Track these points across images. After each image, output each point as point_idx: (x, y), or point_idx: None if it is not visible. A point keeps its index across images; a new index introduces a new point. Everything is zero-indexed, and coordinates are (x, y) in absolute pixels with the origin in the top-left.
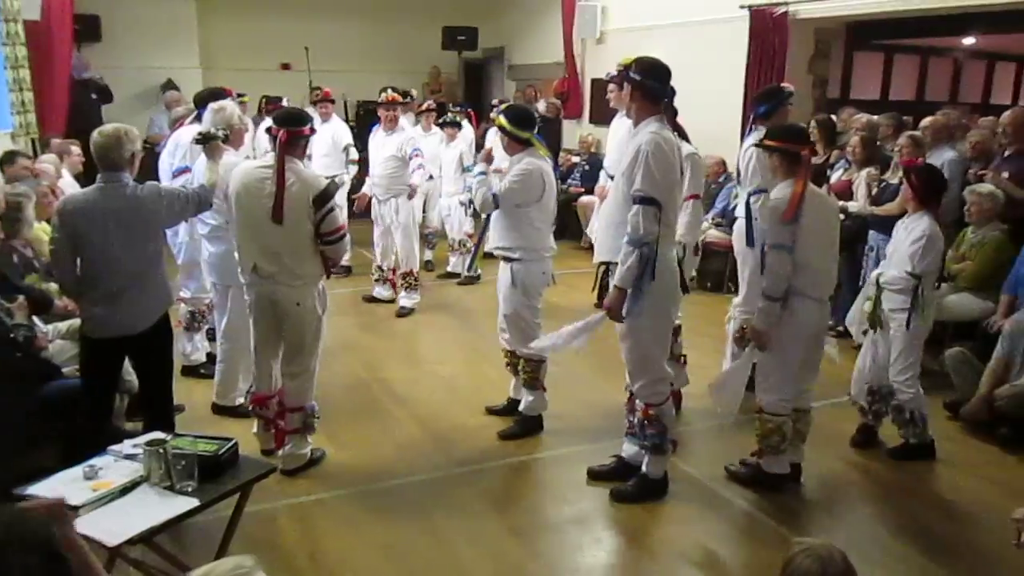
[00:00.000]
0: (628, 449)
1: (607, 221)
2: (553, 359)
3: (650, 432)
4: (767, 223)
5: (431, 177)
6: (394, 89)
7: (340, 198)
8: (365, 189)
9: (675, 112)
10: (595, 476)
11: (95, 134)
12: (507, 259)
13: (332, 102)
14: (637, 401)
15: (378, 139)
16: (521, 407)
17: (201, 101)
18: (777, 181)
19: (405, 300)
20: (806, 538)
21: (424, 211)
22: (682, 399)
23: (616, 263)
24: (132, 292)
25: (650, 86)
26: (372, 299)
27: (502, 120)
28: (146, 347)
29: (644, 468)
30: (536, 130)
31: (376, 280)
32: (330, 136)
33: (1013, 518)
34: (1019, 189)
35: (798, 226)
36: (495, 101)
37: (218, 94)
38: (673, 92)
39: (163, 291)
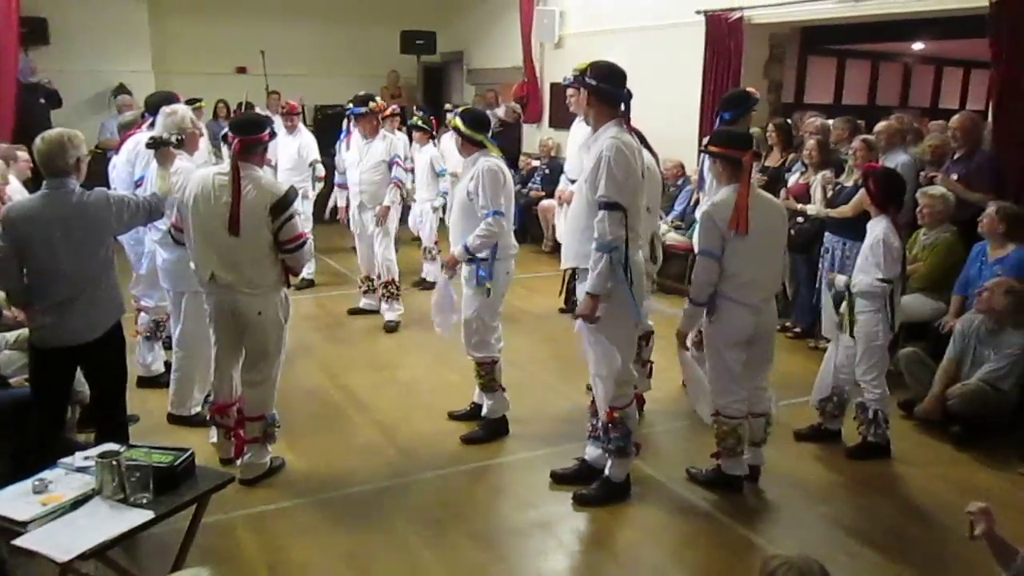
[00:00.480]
0: (591, 452)
1: (572, 227)
2: (515, 363)
3: (614, 435)
4: (701, 228)
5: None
6: (372, 98)
7: (301, 205)
8: (340, 202)
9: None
10: (559, 479)
11: (38, 140)
12: (470, 260)
13: (298, 114)
14: (602, 405)
15: (360, 146)
16: (484, 411)
17: (152, 106)
18: (721, 186)
19: (389, 314)
20: (781, 552)
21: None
22: (644, 402)
23: (582, 268)
24: (82, 301)
25: (606, 90)
26: (358, 311)
27: (457, 122)
28: (98, 356)
29: (607, 471)
30: (490, 133)
31: (364, 292)
32: (296, 149)
33: (967, 511)
34: (968, 191)
35: (733, 234)
36: (448, 106)
37: (168, 98)
38: (630, 95)
39: (114, 300)
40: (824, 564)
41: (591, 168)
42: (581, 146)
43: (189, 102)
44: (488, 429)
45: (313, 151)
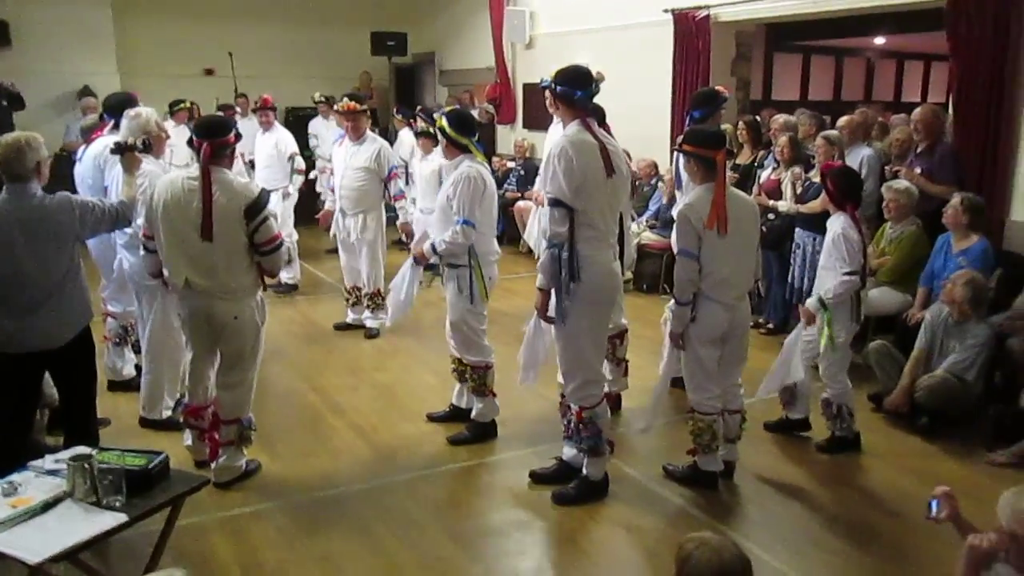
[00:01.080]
0: (568, 452)
1: (543, 228)
2: (497, 366)
3: (585, 435)
4: (677, 228)
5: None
6: (351, 96)
7: (276, 206)
8: (328, 204)
9: (602, 115)
10: (538, 479)
11: None
12: (452, 265)
13: (273, 109)
14: (571, 404)
15: (344, 149)
16: (473, 414)
17: (110, 108)
18: (694, 185)
19: (371, 321)
20: (694, 533)
21: None
22: (621, 400)
23: None
24: (48, 307)
25: (563, 91)
26: (346, 326)
27: (443, 123)
28: (67, 361)
29: (584, 470)
30: (476, 137)
31: (352, 304)
32: (272, 145)
33: (933, 495)
34: (931, 184)
35: (708, 233)
36: (419, 108)
37: (128, 100)
38: (589, 96)
39: (82, 305)
40: (793, 557)
41: (543, 166)
42: None
43: (173, 104)
44: (475, 432)
45: (291, 145)
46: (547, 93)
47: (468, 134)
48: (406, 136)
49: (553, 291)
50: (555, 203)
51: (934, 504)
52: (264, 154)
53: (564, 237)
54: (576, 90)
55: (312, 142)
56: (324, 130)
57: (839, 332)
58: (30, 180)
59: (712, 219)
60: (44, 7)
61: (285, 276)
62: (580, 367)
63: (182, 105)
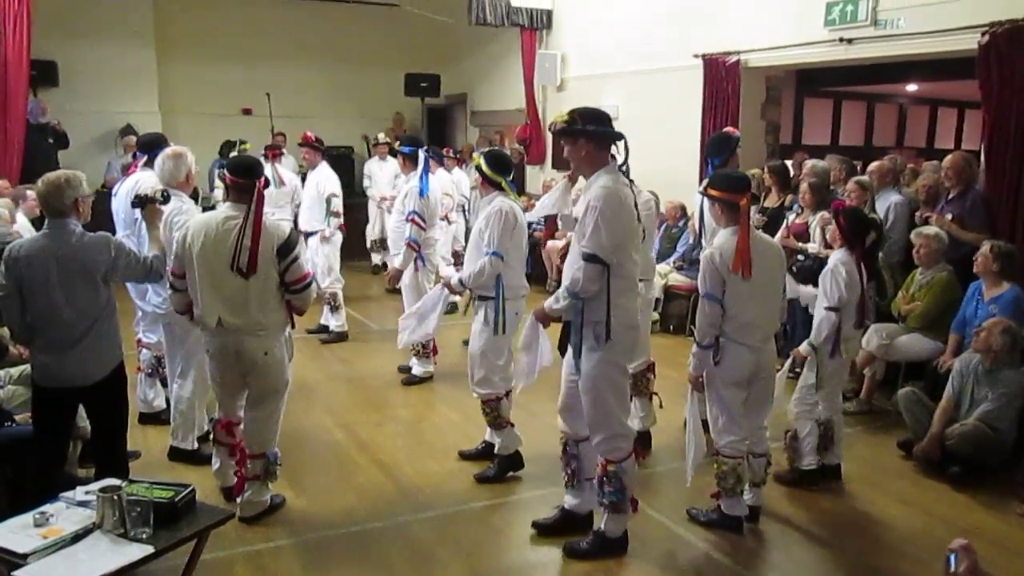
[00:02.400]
0: (569, 500)
1: (568, 274)
2: (517, 402)
3: (608, 489)
4: (702, 271)
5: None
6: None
7: (315, 252)
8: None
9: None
10: (542, 531)
11: (39, 182)
12: (482, 298)
13: (318, 148)
14: (597, 456)
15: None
16: (496, 448)
17: (143, 146)
18: (719, 228)
19: (417, 368)
20: None
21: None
22: (651, 438)
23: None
24: (81, 346)
25: (598, 133)
26: (413, 380)
27: (480, 161)
28: (97, 399)
29: (602, 525)
30: (511, 176)
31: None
32: (313, 185)
33: (948, 548)
34: (962, 231)
35: (733, 276)
36: (446, 150)
37: (159, 140)
38: (620, 134)
39: (114, 345)
40: None
41: (581, 217)
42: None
43: (231, 144)
44: (501, 466)
45: (330, 184)
46: (569, 141)
47: (503, 173)
48: (461, 175)
49: (587, 345)
50: (593, 259)
51: (952, 558)
52: (305, 194)
53: (593, 294)
54: (610, 126)
55: (366, 183)
56: (379, 171)
57: (824, 370)
58: (68, 216)
59: (737, 263)
60: (91, 48)
61: (333, 324)
62: (607, 421)
63: (245, 145)
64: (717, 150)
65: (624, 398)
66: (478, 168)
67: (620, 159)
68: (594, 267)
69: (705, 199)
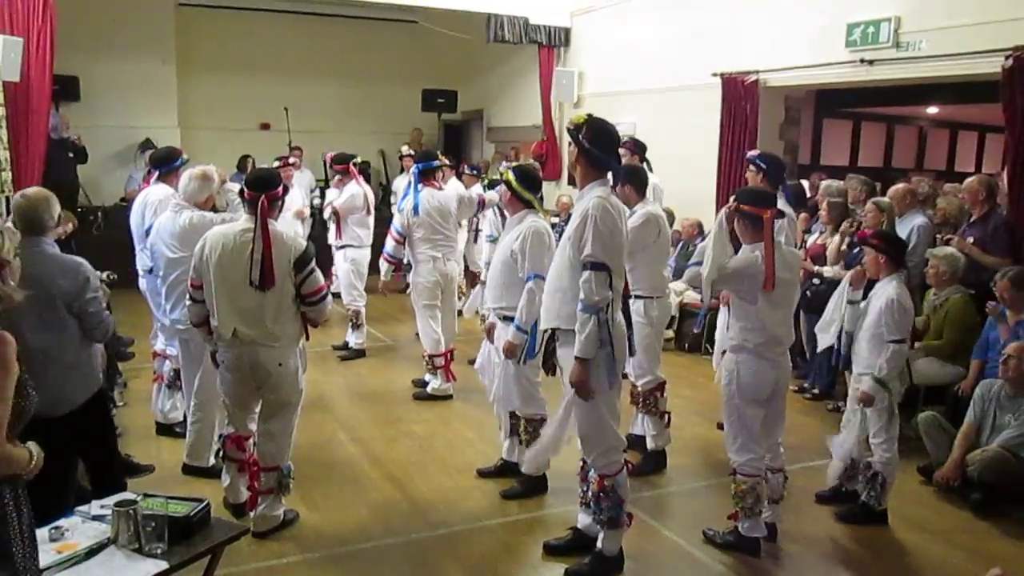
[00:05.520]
0: (583, 520)
1: (553, 286)
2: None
3: (605, 505)
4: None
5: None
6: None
7: (338, 266)
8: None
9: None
10: (551, 551)
11: (18, 196)
12: (507, 318)
13: (341, 164)
14: (591, 472)
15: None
16: (524, 468)
17: (156, 161)
18: (745, 244)
19: (433, 384)
20: None
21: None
22: (666, 457)
23: (562, 329)
24: (51, 373)
25: (595, 155)
26: (424, 396)
27: (510, 176)
28: (75, 427)
29: (599, 544)
30: (540, 193)
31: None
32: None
33: None
34: (984, 255)
35: (759, 289)
36: (463, 165)
37: (172, 154)
38: (619, 161)
39: (85, 375)
40: None
41: (575, 226)
42: None
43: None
44: (527, 485)
45: (336, 200)
46: (578, 147)
47: (533, 190)
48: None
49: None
50: (598, 266)
51: None
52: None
53: (608, 300)
54: (609, 155)
55: (393, 199)
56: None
57: (896, 400)
58: (45, 235)
59: (768, 283)
60: (113, 63)
61: (353, 341)
62: (603, 435)
63: (358, 161)
64: (782, 175)
65: (615, 409)
66: (507, 183)
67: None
68: (600, 274)
69: (724, 218)
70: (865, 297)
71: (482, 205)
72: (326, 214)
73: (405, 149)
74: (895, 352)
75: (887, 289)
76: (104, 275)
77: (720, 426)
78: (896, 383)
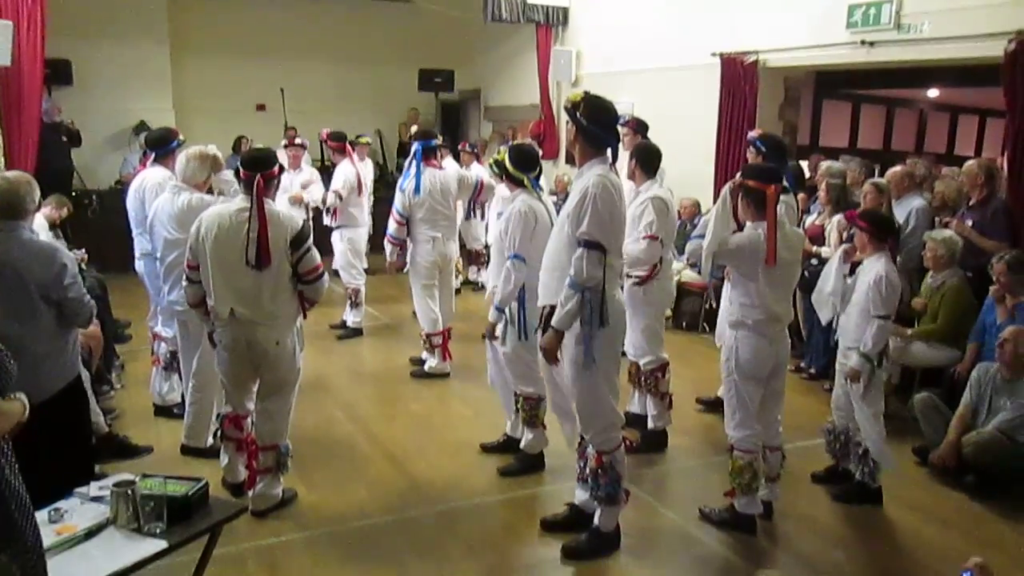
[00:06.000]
0: (580, 495)
1: (551, 263)
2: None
3: (603, 481)
4: (738, 245)
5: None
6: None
7: (337, 246)
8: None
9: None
10: (548, 527)
11: (0, 179)
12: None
13: (336, 142)
14: (589, 449)
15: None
16: (522, 444)
17: (151, 143)
18: (747, 221)
19: (430, 362)
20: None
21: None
22: (667, 437)
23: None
24: (23, 361)
25: (593, 133)
26: (424, 374)
27: (504, 156)
28: (50, 416)
29: (596, 520)
30: (536, 172)
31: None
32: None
33: (963, 566)
34: (982, 239)
35: (760, 267)
36: (462, 145)
37: (168, 135)
38: (618, 139)
39: (59, 366)
40: None
41: (575, 204)
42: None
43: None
44: (524, 463)
45: (335, 181)
46: (575, 125)
47: (525, 170)
48: (478, 169)
49: (572, 336)
50: (592, 245)
51: None
52: (331, 189)
53: (598, 281)
54: (607, 133)
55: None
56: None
57: (876, 379)
58: (23, 220)
59: (770, 258)
60: (106, 46)
61: (351, 320)
62: (601, 412)
63: (363, 139)
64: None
65: (614, 386)
66: (500, 164)
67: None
68: (595, 253)
69: (728, 193)
70: (851, 274)
71: (480, 188)
72: (329, 200)
73: (415, 129)
74: (880, 328)
75: (876, 266)
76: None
77: (699, 400)
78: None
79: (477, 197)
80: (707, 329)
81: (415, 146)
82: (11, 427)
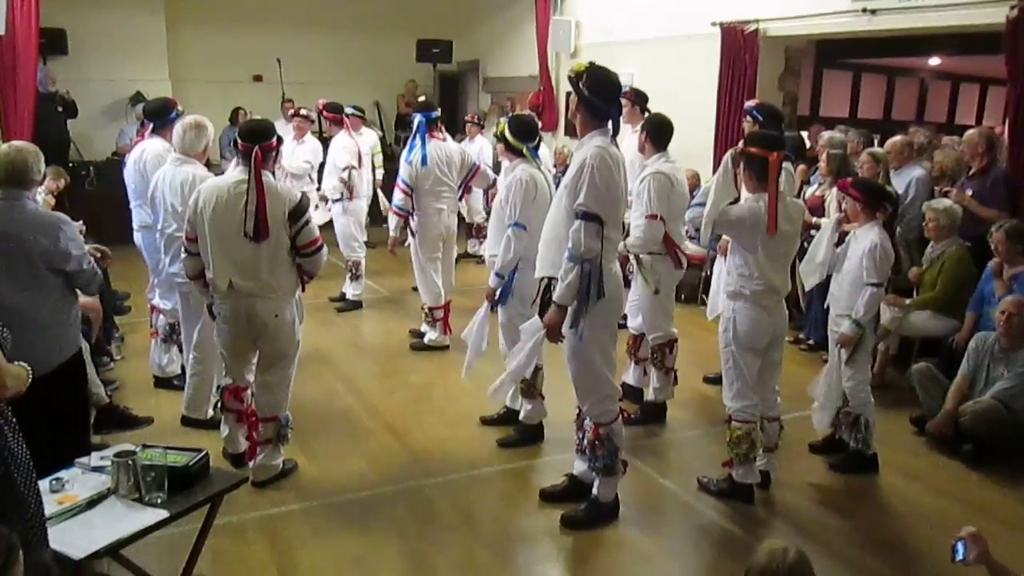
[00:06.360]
0: (579, 466)
1: (550, 235)
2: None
3: (600, 453)
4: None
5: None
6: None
7: (337, 219)
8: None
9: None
10: (547, 498)
11: (5, 147)
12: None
13: (333, 113)
14: (586, 420)
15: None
16: (521, 416)
17: (151, 114)
18: (747, 192)
19: (429, 335)
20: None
21: None
22: (666, 408)
23: (558, 278)
24: (20, 333)
25: (596, 105)
26: (424, 346)
27: (504, 127)
28: (49, 391)
29: (594, 491)
30: (536, 142)
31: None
32: (333, 154)
33: (958, 536)
34: (981, 208)
35: (760, 234)
36: (472, 116)
37: (167, 106)
38: (619, 111)
39: (60, 339)
40: None
41: (572, 175)
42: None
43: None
44: (523, 434)
45: (345, 155)
46: (578, 96)
47: (524, 139)
48: (483, 142)
49: (569, 308)
50: (590, 217)
51: (960, 547)
52: (328, 161)
53: (596, 252)
54: (609, 104)
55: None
56: None
57: (865, 346)
58: (28, 190)
59: (771, 226)
60: (100, 16)
61: (351, 292)
62: (597, 383)
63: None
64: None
65: (611, 358)
66: (500, 135)
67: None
68: (592, 225)
69: (729, 160)
70: (839, 243)
71: (475, 172)
72: (347, 177)
73: (422, 100)
74: (872, 295)
75: (869, 235)
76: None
77: (707, 379)
78: (870, 325)
79: (470, 179)
80: (704, 302)
81: (418, 118)
82: (17, 390)
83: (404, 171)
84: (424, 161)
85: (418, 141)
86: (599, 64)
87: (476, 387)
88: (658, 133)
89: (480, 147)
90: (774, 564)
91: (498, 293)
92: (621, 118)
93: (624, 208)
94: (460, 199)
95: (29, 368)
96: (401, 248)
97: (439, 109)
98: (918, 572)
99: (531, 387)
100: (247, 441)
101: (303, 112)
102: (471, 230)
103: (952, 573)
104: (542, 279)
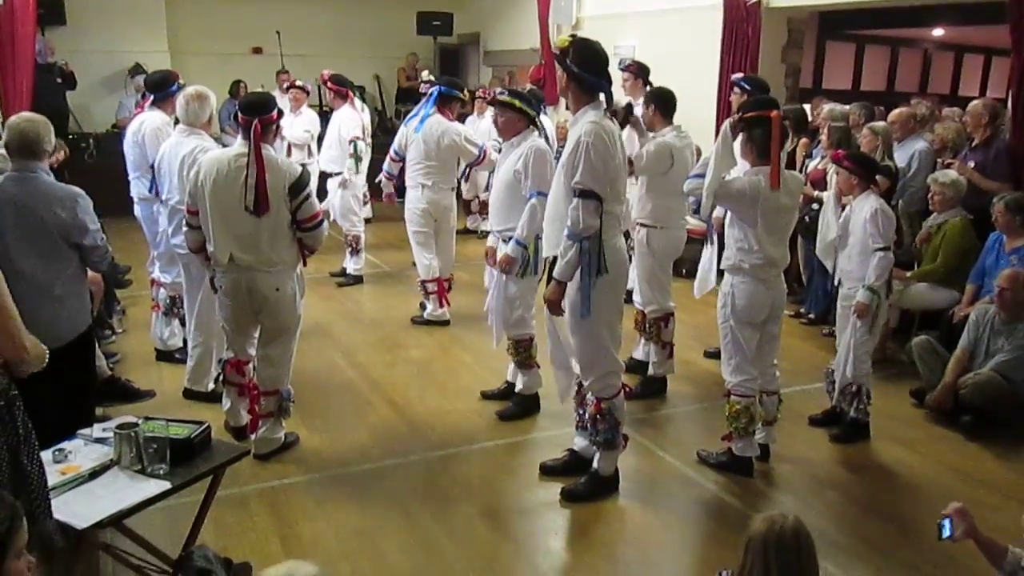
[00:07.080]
0: (579, 442)
1: (552, 214)
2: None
3: (601, 427)
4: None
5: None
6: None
7: (333, 195)
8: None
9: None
10: (547, 472)
11: (15, 118)
12: (509, 239)
13: (337, 86)
14: (588, 395)
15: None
16: (518, 387)
17: (152, 86)
18: (744, 164)
19: (429, 309)
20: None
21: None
22: (667, 383)
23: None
24: (42, 304)
25: (584, 79)
26: (424, 321)
27: (509, 96)
28: (59, 364)
29: (595, 464)
30: (540, 111)
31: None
32: (336, 127)
33: (944, 513)
34: (984, 180)
35: (760, 208)
36: (483, 91)
37: (168, 78)
38: (610, 82)
39: (74, 313)
40: (827, 547)
41: (568, 152)
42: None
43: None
44: (521, 405)
45: (353, 128)
46: (565, 71)
47: (536, 107)
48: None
49: (573, 285)
50: (588, 194)
51: (947, 524)
52: (328, 135)
53: (595, 230)
54: (599, 78)
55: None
56: None
57: (880, 315)
58: (41, 160)
59: (774, 180)
60: None
61: (351, 267)
62: (601, 358)
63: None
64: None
65: (617, 333)
66: (508, 104)
67: None
68: (591, 202)
69: (728, 129)
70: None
71: (483, 157)
72: (360, 148)
73: (426, 75)
74: (881, 259)
75: (867, 202)
76: None
77: (707, 353)
78: (883, 292)
79: (478, 163)
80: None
81: (436, 88)
82: (37, 367)
83: (399, 134)
84: (419, 129)
85: (422, 110)
86: (584, 37)
87: (476, 361)
88: (665, 105)
89: (490, 124)
90: (774, 531)
91: (521, 266)
92: (624, 91)
93: (624, 180)
94: (466, 180)
95: (46, 348)
96: (403, 221)
97: (464, 92)
98: (918, 542)
99: (528, 358)
100: (249, 414)
101: (299, 83)
102: (470, 206)
103: (947, 545)
104: (546, 259)
